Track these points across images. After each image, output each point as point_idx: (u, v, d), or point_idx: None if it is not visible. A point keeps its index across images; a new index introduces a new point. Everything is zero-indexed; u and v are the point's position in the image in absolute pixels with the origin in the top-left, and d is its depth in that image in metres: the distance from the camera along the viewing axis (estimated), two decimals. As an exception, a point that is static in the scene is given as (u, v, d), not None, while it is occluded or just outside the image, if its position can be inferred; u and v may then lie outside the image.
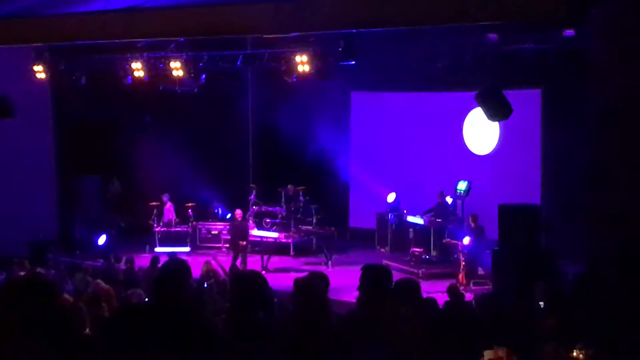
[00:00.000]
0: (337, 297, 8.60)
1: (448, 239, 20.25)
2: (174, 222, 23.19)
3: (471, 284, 18.32)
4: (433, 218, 21.11)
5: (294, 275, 19.37)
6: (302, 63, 18.36)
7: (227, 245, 22.76)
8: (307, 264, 21.28)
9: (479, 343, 7.99)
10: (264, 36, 16.90)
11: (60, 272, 18.10)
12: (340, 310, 8.11)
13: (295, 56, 18.38)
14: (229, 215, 24.02)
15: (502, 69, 18.01)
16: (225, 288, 15.30)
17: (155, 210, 22.92)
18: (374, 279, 6.67)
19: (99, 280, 16.20)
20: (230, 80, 21.08)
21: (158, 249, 22.14)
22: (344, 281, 18.90)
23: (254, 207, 22.99)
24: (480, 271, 18.43)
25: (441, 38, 17.94)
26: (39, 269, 17.20)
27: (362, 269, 6.85)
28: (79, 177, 23.48)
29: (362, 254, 22.12)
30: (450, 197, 21.35)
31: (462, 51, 18.19)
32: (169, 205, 23.36)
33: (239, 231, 20.62)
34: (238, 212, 20.84)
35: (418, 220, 21.33)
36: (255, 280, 6.07)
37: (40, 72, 20.70)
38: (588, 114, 12.34)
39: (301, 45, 18.08)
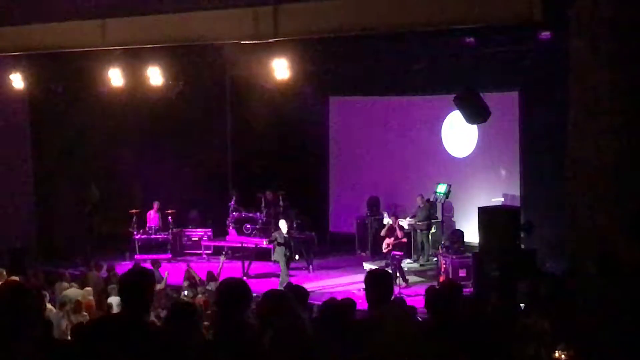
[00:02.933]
0: (318, 302, 8.63)
1: None
2: (154, 229, 23.12)
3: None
4: (413, 221, 21.17)
5: (275, 280, 19.53)
6: (280, 69, 18.34)
7: (208, 251, 22.76)
8: (288, 269, 21.27)
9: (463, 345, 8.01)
10: (242, 42, 16.91)
11: (40, 280, 18.02)
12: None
13: (273, 62, 18.36)
14: (209, 222, 23.98)
15: (479, 71, 18.06)
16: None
17: (134, 218, 22.84)
18: (377, 283, 6.92)
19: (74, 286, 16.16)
20: (208, 86, 21.01)
21: (138, 256, 22.08)
22: (325, 285, 19.06)
23: (234, 213, 22.96)
24: (462, 273, 18.48)
25: (418, 42, 17.98)
26: (17, 278, 17.14)
27: (366, 275, 7.22)
28: (58, 185, 23.37)
29: (342, 259, 22.16)
30: (430, 200, 21.40)
31: (440, 54, 18.24)
32: (155, 214, 23.34)
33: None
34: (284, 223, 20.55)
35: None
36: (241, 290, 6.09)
37: (17, 80, 20.60)
38: (564, 114, 12.42)
39: (279, 51, 18.06)
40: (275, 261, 20.43)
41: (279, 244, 20.02)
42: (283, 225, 20.36)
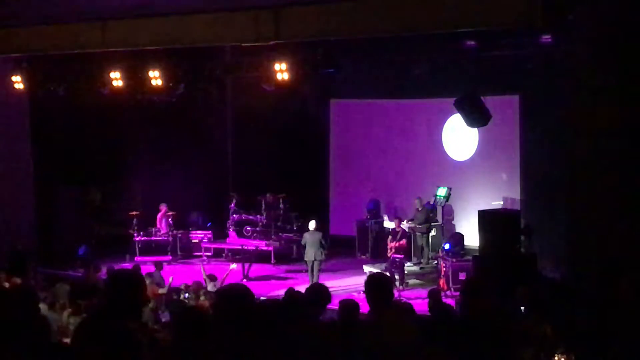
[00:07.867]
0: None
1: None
2: (154, 231, 23.10)
3: (452, 289, 18.37)
4: (413, 224, 21.16)
5: (275, 282, 19.49)
6: (281, 71, 18.31)
7: (208, 254, 22.76)
8: (288, 271, 21.26)
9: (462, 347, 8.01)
10: (243, 45, 16.92)
11: (39, 283, 18.02)
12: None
13: (274, 65, 18.36)
14: (209, 224, 23.98)
15: (480, 75, 18.06)
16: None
17: (135, 220, 22.83)
18: (376, 287, 7.00)
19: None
20: (209, 89, 20.99)
21: (139, 258, 22.07)
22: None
23: (234, 215, 22.94)
24: (462, 276, 18.46)
25: (419, 45, 17.98)
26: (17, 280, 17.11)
27: (366, 278, 7.35)
28: (58, 187, 23.35)
29: (342, 261, 22.12)
30: (430, 203, 21.40)
31: (441, 58, 18.24)
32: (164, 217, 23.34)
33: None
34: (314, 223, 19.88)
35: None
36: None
37: (18, 82, 20.62)
38: (565, 118, 12.44)
39: (280, 53, 18.07)
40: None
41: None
42: (312, 225, 19.83)
